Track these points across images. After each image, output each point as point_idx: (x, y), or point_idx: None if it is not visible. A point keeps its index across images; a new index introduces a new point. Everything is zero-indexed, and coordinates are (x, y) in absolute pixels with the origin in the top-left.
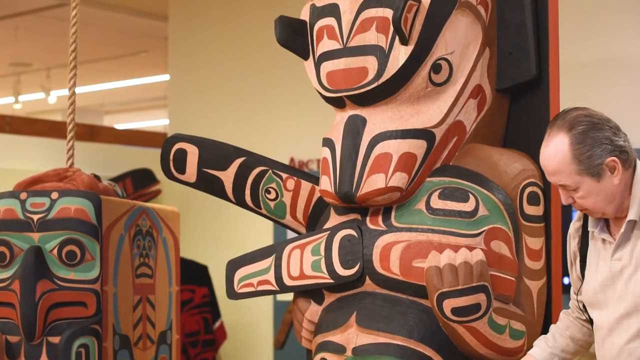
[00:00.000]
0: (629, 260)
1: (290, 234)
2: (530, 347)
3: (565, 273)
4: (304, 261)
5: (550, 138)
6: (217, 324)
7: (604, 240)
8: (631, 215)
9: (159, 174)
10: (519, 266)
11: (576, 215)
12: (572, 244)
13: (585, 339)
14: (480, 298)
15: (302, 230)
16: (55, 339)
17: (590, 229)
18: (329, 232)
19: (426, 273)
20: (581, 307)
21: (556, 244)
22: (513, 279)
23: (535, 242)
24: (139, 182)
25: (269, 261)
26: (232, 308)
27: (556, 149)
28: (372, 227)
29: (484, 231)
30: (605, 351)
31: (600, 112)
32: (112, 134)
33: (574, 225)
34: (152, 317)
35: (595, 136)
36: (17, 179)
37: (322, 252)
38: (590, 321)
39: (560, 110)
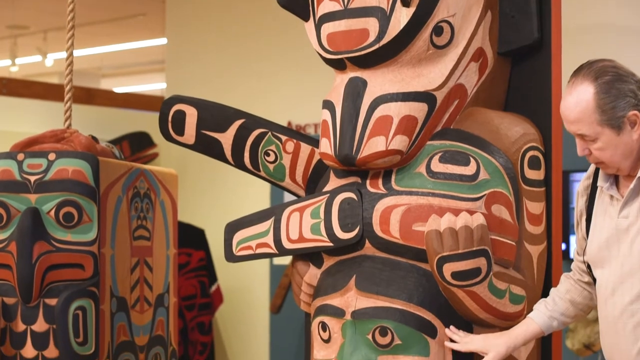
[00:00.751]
0: (636, 218)
1: (288, 197)
2: (530, 311)
3: (566, 238)
4: (303, 224)
5: (574, 86)
6: (213, 288)
7: (611, 197)
8: None
9: (156, 137)
10: (519, 230)
11: (586, 173)
12: (580, 202)
13: (586, 303)
14: (481, 262)
15: (301, 193)
16: (52, 301)
17: (599, 183)
18: (328, 195)
19: (426, 237)
20: (585, 267)
21: (556, 208)
22: (513, 243)
23: (535, 207)
24: (136, 145)
25: (268, 224)
26: (228, 272)
27: (579, 97)
28: (372, 190)
29: (484, 195)
30: (608, 311)
31: (626, 66)
32: (109, 97)
33: (583, 184)
34: (150, 279)
35: (621, 88)
36: (14, 141)
37: (322, 215)
38: (593, 282)
39: (585, 61)
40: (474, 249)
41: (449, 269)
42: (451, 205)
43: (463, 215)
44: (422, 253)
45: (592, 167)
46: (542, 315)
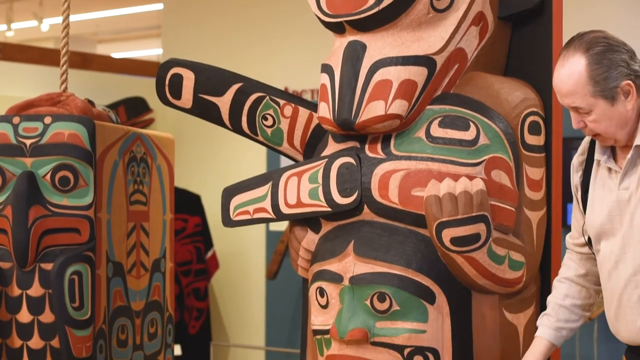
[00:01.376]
0: (636, 189)
1: (285, 162)
2: (529, 278)
3: (565, 204)
4: (301, 189)
5: (566, 59)
6: (209, 254)
7: (609, 170)
8: (638, 141)
9: (153, 102)
10: (519, 196)
11: (579, 148)
12: (575, 178)
13: (586, 302)
14: (480, 228)
15: (299, 157)
16: (48, 266)
17: (596, 157)
18: (326, 159)
19: (425, 202)
20: (586, 239)
21: (557, 174)
22: (513, 209)
23: (535, 172)
24: (132, 110)
25: (266, 189)
26: (224, 238)
27: (572, 69)
28: (370, 155)
29: (484, 160)
30: (611, 285)
31: (617, 36)
32: (105, 62)
33: (577, 159)
34: (146, 244)
35: (612, 58)
36: (9, 105)
37: (320, 180)
38: (593, 256)
39: (576, 34)
40: (474, 214)
41: (448, 234)
42: (450, 171)
43: (462, 180)
44: (421, 218)
45: (585, 142)
46: (549, 330)
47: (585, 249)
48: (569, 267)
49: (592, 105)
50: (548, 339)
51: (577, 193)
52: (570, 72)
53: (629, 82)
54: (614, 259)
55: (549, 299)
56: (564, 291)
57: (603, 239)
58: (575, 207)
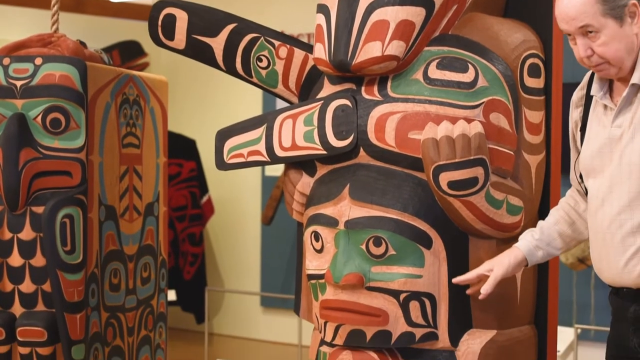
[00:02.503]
0: (629, 127)
1: (281, 105)
2: (527, 223)
3: (565, 149)
4: (296, 131)
5: None
6: (204, 199)
7: (605, 107)
8: (635, 79)
9: (147, 46)
10: (517, 140)
11: (580, 84)
12: (575, 114)
13: (574, 237)
14: (478, 171)
15: (294, 100)
16: (39, 209)
17: (593, 93)
18: (322, 101)
19: (422, 145)
20: (578, 176)
21: (556, 118)
22: (511, 152)
23: (534, 116)
24: (126, 54)
25: (260, 131)
26: (219, 183)
27: None
28: (367, 97)
29: (483, 103)
30: (597, 222)
31: None
32: (99, 6)
33: (577, 94)
34: (139, 188)
35: None
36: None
37: (315, 122)
38: (585, 193)
39: None
40: (471, 158)
41: (445, 178)
42: (448, 113)
43: (460, 123)
44: (418, 162)
45: (586, 78)
46: (527, 244)
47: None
48: (569, 199)
49: (602, 25)
50: (522, 251)
51: (575, 129)
52: None
53: (635, 2)
54: (600, 196)
55: (540, 222)
56: (557, 217)
57: (591, 176)
58: (572, 147)
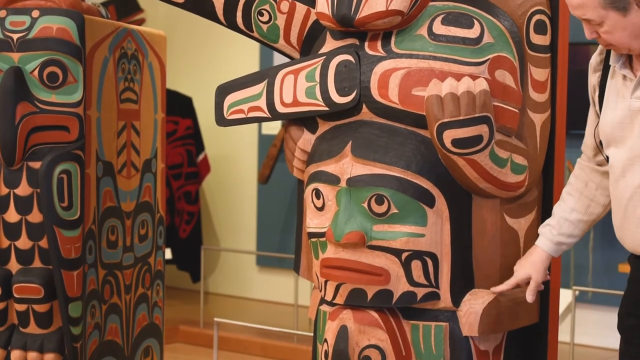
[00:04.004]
0: None
1: (278, 62)
2: (531, 182)
3: (570, 107)
4: (298, 87)
5: None
6: (200, 157)
7: (624, 77)
8: None
9: (143, 2)
10: (523, 98)
11: (598, 48)
12: (593, 79)
13: (591, 219)
14: (482, 129)
15: (296, 55)
16: (36, 164)
17: (611, 62)
18: (324, 57)
19: (426, 102)
20: (598, 143)
21: (562, 76)
22: (516, 110)
23: (540, 73)
24: (122, 9)
25: (261, 87)
26: (216, 141)
27: None
28: (370, 52)
29: (488, 59)
30: (619, 193)
31: None
32: None
33: (596, 59)
34: (137, 144)
35: None
36: None
37: (317, 78)
38: (606, 160)
39: None
40: (476, 115)
41: (449, 135)
42: (453, 70)
43: (465, 80)
44: (422, 119)
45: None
46: (547, 243)
47: (599, 158)
48: (579, 179)
49: (603, 17)
50: (547, 251)
51: (594, 94)
52: None
53: None
54: (621, 167)
55: (556, 209)
56: (571, 204)
57: (612, 146)
58: (591, 110)
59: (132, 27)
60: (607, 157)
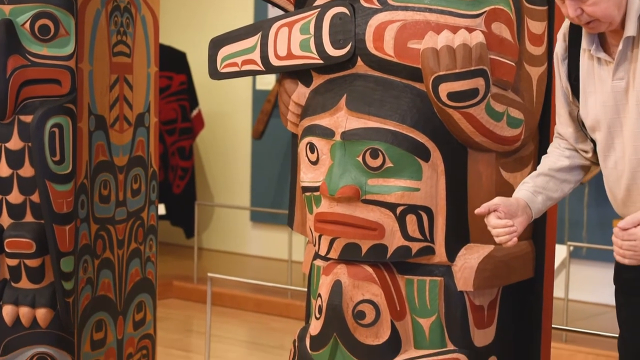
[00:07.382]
0: (633, 78)
1: (273, 14)
2: (527, 137)
3: None
4: (292, 40)
5: None
6: (194, 112)
7: (599, 60)
8: (628, 32)
9: None
10: (519, 51)
11: (559, 35)
12: (562, 67)
13: (560, 195)
14: (479, 82)
15: (290, 8)
16: (28, 118)
17: (584, 46)
18: (319, 9)
19: (422, 55)
20: (580, 125)
21: (558, 29)
22: (513, 64)
23: (537, 26)
24: None
25: (255, 39)
26: (210, 96)
27: None
28: (365, 5)
29: (484, 12)
30: (617, 173)
31: None
32: None
33: (561, 47)
34: (130, 98)
35: None
36: None
37: (312, 31)
38: (593, 144)
39: None
40: (472, 68)
41: (445, 89)
42: (449, 22)
43: (461, 32)
44: (417, 72)
45: (564, 28)
46: (524, 193)
47: (582, 146)
48: (550, 157)
49: None
50: (523, 198)
51: (566, 82)
52: None
53: None
54: (619, 149)
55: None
56: (541, 184)
57: (597, 130)
58: (560, 98)
59: None
60: (594, 140)
